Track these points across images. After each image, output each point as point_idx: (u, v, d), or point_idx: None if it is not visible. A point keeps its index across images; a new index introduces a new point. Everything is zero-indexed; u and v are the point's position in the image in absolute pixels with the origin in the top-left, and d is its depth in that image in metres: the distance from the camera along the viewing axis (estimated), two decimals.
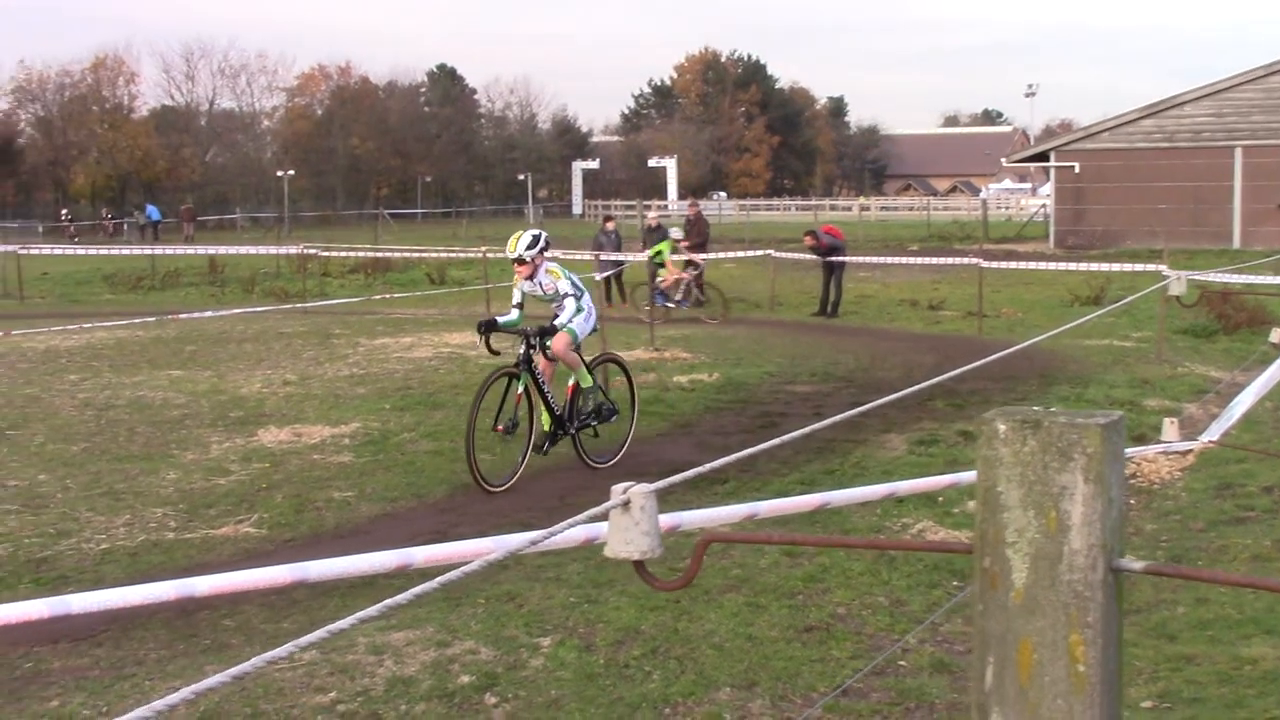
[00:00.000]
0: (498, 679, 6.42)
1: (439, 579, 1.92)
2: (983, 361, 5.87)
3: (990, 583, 1.66)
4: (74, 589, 7.88)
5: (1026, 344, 8.86)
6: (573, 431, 11.58)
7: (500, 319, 11.54)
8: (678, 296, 25.42)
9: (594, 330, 11.84)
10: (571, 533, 2.49)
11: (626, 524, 2.13)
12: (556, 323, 11.23)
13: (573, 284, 11.51)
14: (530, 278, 11.55)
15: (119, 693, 6.44)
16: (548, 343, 11.24)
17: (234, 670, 1.95)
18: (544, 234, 11.73)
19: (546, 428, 11.47)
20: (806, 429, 3.03)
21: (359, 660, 6.70)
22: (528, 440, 11.23)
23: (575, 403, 11.70)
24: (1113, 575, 1.61)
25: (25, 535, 9.50)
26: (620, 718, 5.97)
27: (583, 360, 11.74)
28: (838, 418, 3.17)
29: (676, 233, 26.62)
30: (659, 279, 24.97)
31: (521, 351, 11.26)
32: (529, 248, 11.43)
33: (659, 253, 25.03)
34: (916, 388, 4.48)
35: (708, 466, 2.54)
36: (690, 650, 6.75)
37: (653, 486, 2.17)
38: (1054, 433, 1.63)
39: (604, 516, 2.14)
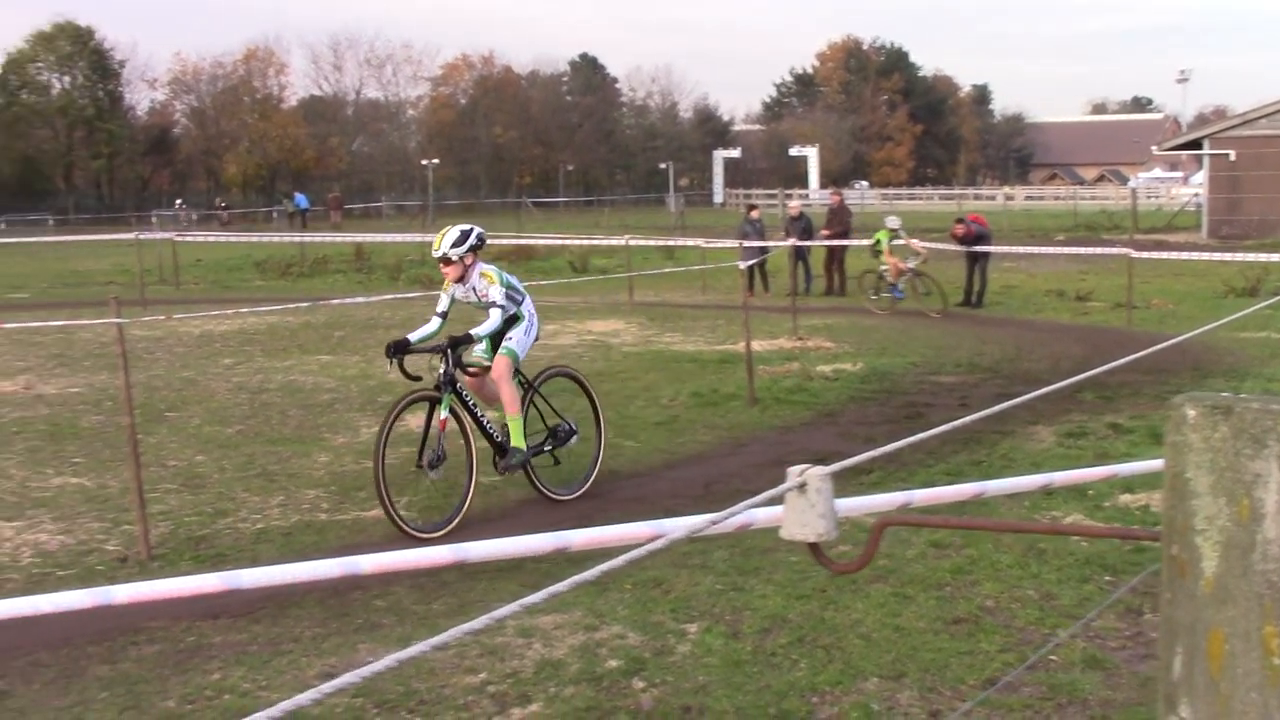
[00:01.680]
0: (645, 664, 6.45)
1: (623, 557, 1.93)
2: (1140, 354, 5.76)
3: (1179, 571, 1.63)
4: (231, 567, 8.09)
5: (1184, 337, 8.66)
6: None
7: (414, 335, 9.73)
8: (900, 286, 24.58)
9: (537, 339, 10.39)
10: (740, 516, 2.50)
11: (802, 506, 2.13)
12: (474, 331, 9.68)
13: (508, 292, 9.92)
14: (461, 280, 9.91)
15: (276, 668, 6.59)
16: (461, 352, 9.69)
17: (404, 653, 1.98)
18: (477, 230, 10.06)
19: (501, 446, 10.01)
20: (978, 414, 3.00)
21: (508, 642, 6.78)
22: (470, 475, 9.58)
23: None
24: None
25: (185, 514, 9.76)
26: (767, 705, 5.97)
27: (524, 385, 10.26)
28: (1008, 404, 3.13)
29: (894, 221, 25.39)
30: (882, 268, 24.44)
31: (442, 369, 9.57)
32: (456, 245, 9.82)
33: (878, 242, 24.59)
34: (1071, 380, 4.40)
35: (892, 447, 2.53)
36: (837, 639, 6.72)
37: (829, 469, 2.16)
38: (1246, 419, 1.59)
39: (778, 499, 2.15)
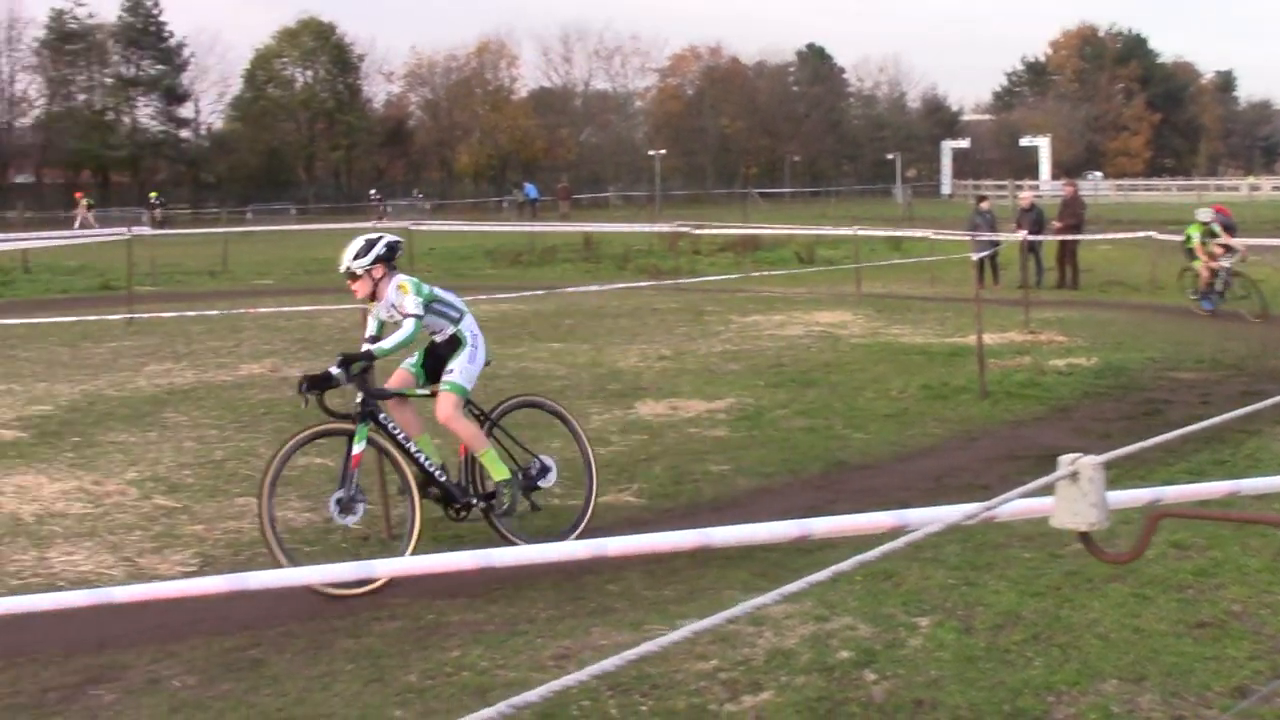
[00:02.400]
0: (876, 656, 6.41)
1: (881, 548, 1.93)
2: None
3: None
4: (468, 547, 8.28)
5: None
6: (479, 506, 8.72)
7: (334, 369, 8.18)
8: (1219, 287, 21.96)
9: (487, 364, 9.16)
10: (1009, 506, 2.47)
11: (1074, 495, 2.11)
12: (375, 348, 8.29)
13: (427, 303, 8.49)
14: (373, 298, 8.50)
15: (512, 648, 6.73)
16: (365, 374, 8.27)
17: (653, 643, 2.02)
18: (386, 239, 8.62)
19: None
20: (1240, 410, 2.91)
21: (739, 630, 6.80)
22: (412, 517, 8.25)
23: (474, 471, 8.86)
24: None
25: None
26: (1001, 702, 5.87)
27: (480, 419, 9.03)
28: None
29: (1206, 214, 22.67)
30: (1194, 264, 22.42)
31: (360, 397, 8.26)
32: (358, 257, 8.42)
33: (1188, 238, 22.69)
34: None
35: (1166, 436, 2.48)
36: (1074, 639, 6.57)
37: (1102, 458, 2.14)
38: None
39: (1048, 489, 2.12)
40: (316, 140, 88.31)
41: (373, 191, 74.62)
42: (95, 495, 10.12)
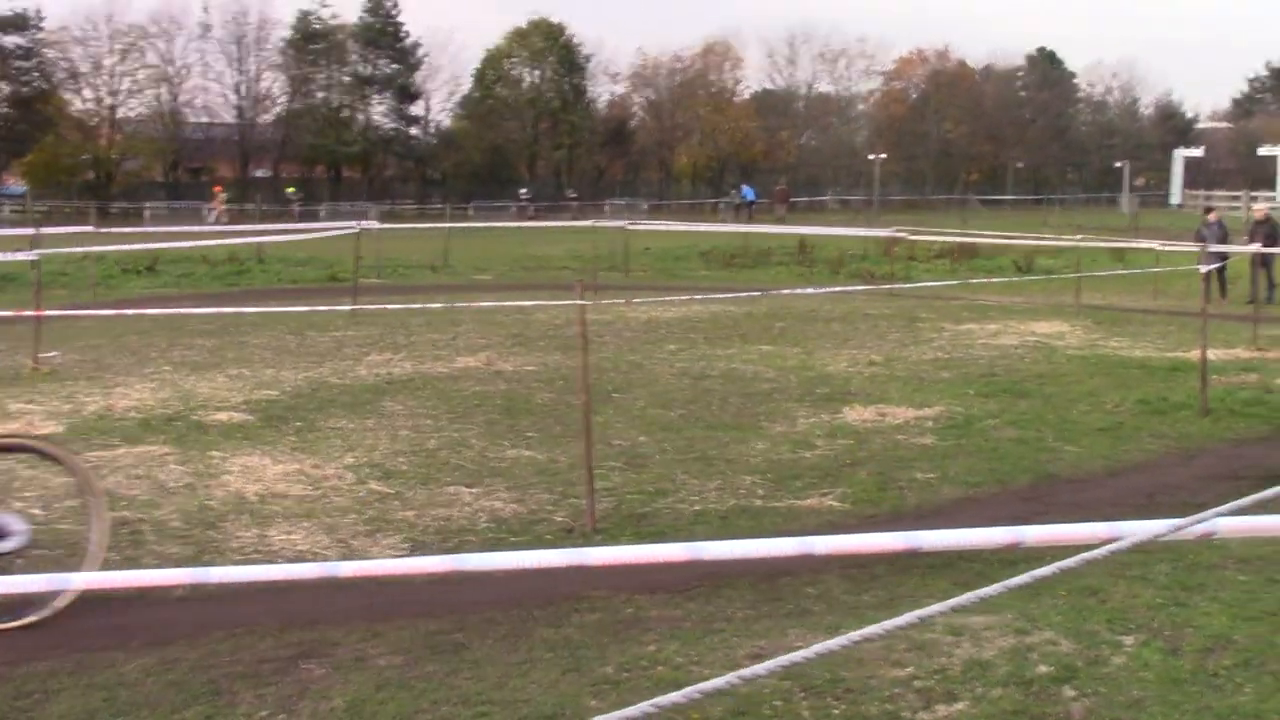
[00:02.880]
0: (1077, 673, 6.29)
1: (1082, 556, 1.92)
2: None
3: None
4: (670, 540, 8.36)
5: None
6: None
7: None
8: None
9: None
10: (1226, 522, 2.42)
11: None
12: None
13: None
14: None
15: (708, 645, 6.78)
16: None
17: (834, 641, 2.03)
18: None
19: None
20: None
21: (937, 639, 6.74)
22: None
23: None
24: None
25: (628, 491, 10.15)
26: None
27: None
28: None
29: None
30: None
31: None
32: None
33: None
34: None
35: None
36: None
37: None
38: None
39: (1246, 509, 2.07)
40: (540, 139, 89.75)
41: (522, 191, 75.22)
42: (314, 478, 10.51)
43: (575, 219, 57.12)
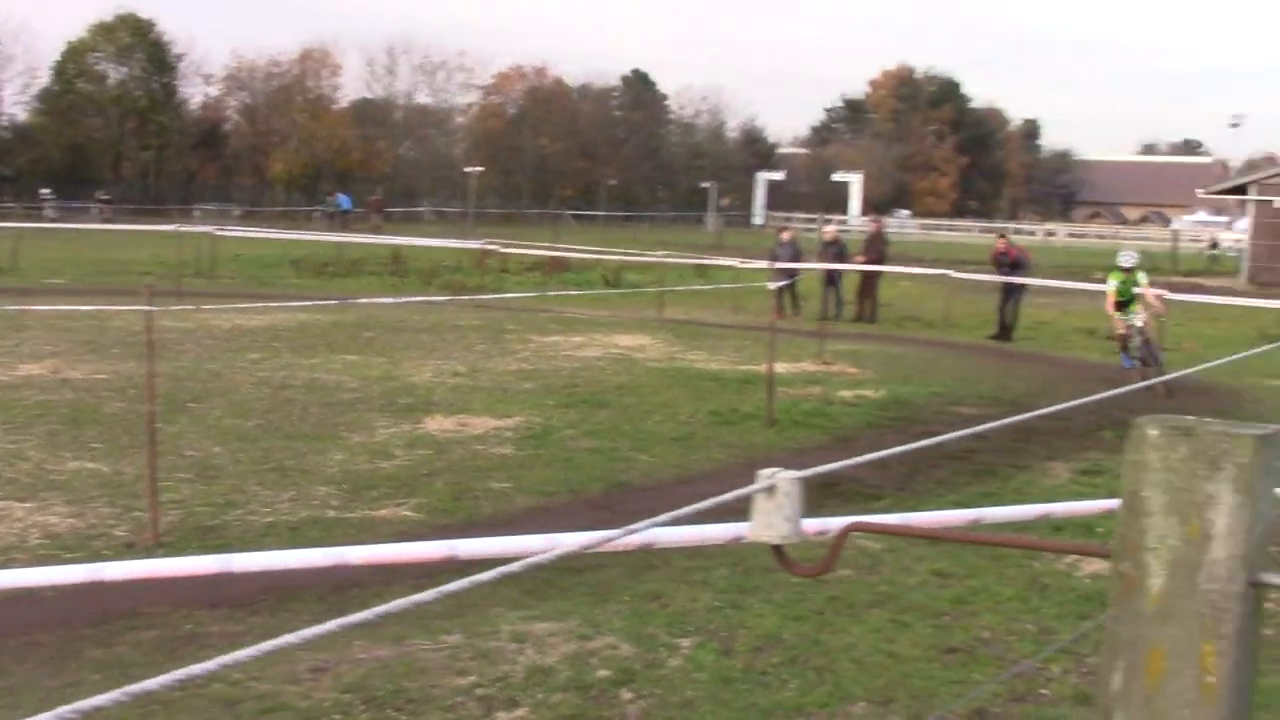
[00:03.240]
0: (635, 675, 6.38)
1: (525, 561, 1.85)
2: (1128, 389, 5.66)
3: (1127, 588, 1.59)
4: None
5: (1179, 374, 8.54)
6: None
7: None
8: (1135, 354, 18.20)
9: None
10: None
11: (770, 509, 2.11)
12: None
13: None
14: None
15: (269, 660, 6.52)
16: None
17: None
18: None
19: None
20: (931, 440, 2.93)
21: (501, 647, 6.72)
22: None
23: None
24: (1252, 589, 1.53)
25: (196, 504, 9.73)
26: None
27: None
28: (952, 435, 3.05)
29: (1128, 258, 18.55)
30: (1129, 323, 18.15)
31: None
32: None
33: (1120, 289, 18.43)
34: (1060, 407, 4.33)
35: (849, 462, 2.46)
36: (830, 662, 6.63)
37: (799, 474, 2.13)
38: (1206, 441, 1.56)
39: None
40: (126, 139, 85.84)
41: (99, 193, 71.63)
42: None
43: (162, 223, 54.83)
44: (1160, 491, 1.59)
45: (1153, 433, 1.60)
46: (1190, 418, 1.63)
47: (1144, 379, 16.36)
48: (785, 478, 2.19)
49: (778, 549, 2.19)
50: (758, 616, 7.27)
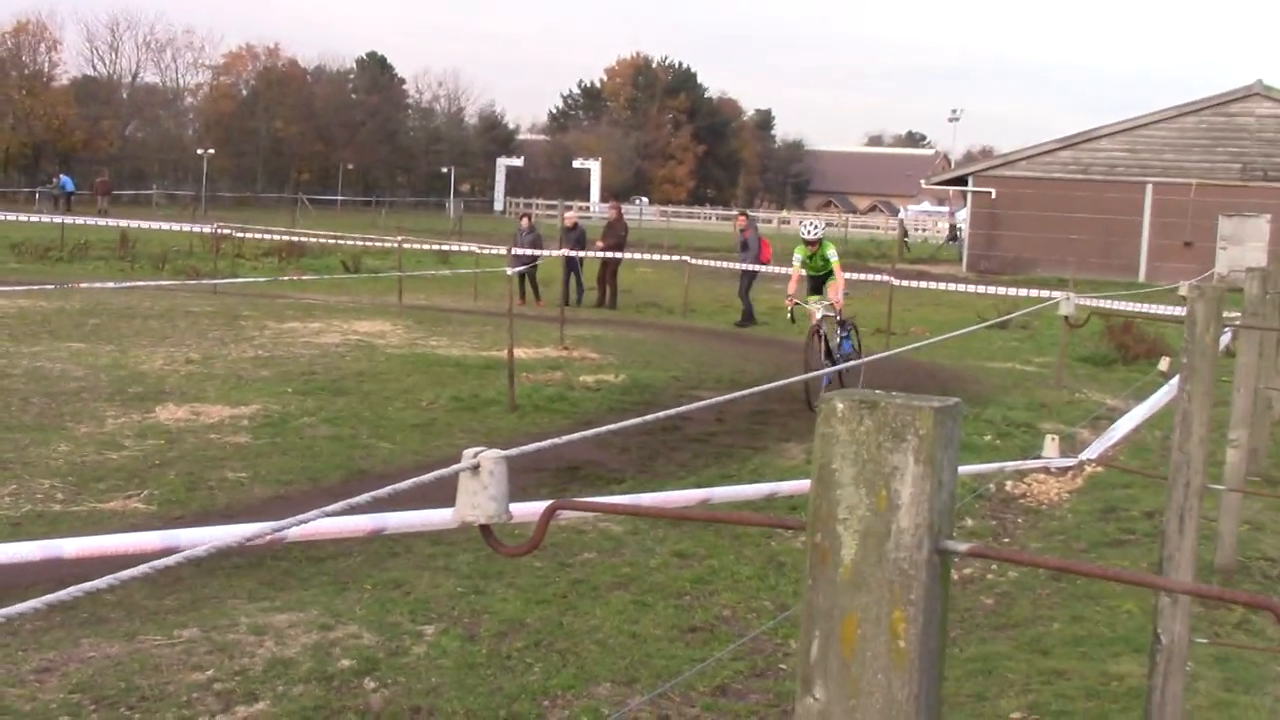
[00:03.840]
0: (378, 664, 6.40)
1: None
2: (853, 364, 5.95)
3: (820, 558, 1.70)
4: None
5: (895, 352, 8.97)
6: None
7: None
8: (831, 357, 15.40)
9: None
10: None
11: (475, 488, 2.16)
12: None
13: None
14: None
15: None
16: None
17: None
18: None
19: None
20: (662, 414, 3.07)
21: (239, 640, 6.65)
22: None
23: None
24: (938, 556, 1.66)
25: None
26: (498, 708, 5.98)
27: None
28: (687, 408, 3.22)
29: (812, 229, 15.78)
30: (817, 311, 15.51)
31: None
32: None
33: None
34: (774, 385, 4.53)
35: (563, 440, 2.58)
36: (573, 645, 6.77)
37: (504, 452, 2.20)
38: (889, 413, 1.67)
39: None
40: None
41: None
42: None
43: None
44: (849, 464, 1.69)
45: (840, 406, 1.70)
46: (877, 391, 1.76)
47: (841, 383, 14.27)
48: (489, 456, 2.25)
49: (485, 529, 2.24)
50: (501, 601, 7.36)
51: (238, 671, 6.26)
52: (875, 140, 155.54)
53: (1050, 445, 7.26)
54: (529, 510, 3.07)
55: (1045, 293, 23.02)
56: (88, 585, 1.85)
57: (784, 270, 31.58)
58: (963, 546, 1.68)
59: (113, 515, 9.19)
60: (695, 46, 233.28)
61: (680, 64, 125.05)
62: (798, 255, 15.92)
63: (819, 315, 15.29)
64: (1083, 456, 9.43)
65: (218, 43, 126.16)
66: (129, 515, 9.24)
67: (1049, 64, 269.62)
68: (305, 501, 9.81)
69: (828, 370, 12.12)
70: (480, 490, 2.17)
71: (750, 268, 26.13)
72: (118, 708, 5.86)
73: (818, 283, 15.94)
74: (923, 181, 59.84)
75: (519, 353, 14.83)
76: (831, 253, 15.73)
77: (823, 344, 15.24)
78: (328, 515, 1.97)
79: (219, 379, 15.02)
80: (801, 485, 5.46)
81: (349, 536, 5.21)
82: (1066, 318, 16.42)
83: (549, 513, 1.96)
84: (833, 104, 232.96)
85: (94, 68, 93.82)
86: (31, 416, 12.50)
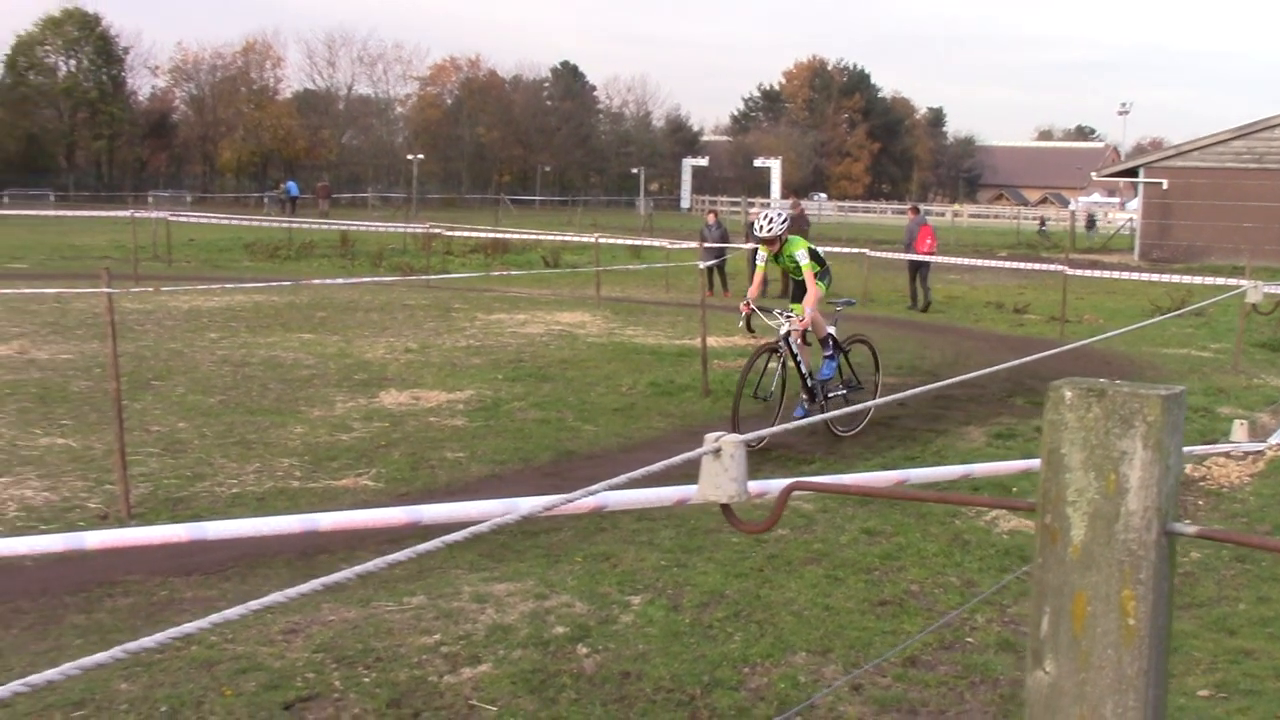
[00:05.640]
0: (590, 631, 6.50)
1: (484, 525, 1.97)
2: (1041, 355, 5.84)
3: (1050, 538, 1.70)
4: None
5: (1086, 341, 8.77)
6: None
7: None
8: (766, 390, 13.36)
9: None
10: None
11: (716, 470, 2.20)
12: None
13: None
14: None
15: (243, 623, 6.58)
16: None
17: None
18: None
19: None
20: (873, 401, 3.07)
21: (463, 607, 6.81)
22: None
23: None
24: (1165, 537, 1.64)
25: (164, 477, 9.75)
26: (701, 674, 6.02)
27: None
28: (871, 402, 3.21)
29: (771, 225, 12.70)
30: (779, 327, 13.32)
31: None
32: None
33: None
34: (952, 380, 4.49)
35: (790, 425, 2.60)
36: (770, 615, 6.78)
37: (743, 436, 2.24)
38: (1117, 401, 1.66)
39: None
40: (78, 129, 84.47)
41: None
42: None
43: (117, 209, 54.06)
44: (1077, 449, 1.68)
45: (1068, 394, 1.69)
46: (1102, 380, 1.75)
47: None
48: (730, 440, 2.29)
49: (726, 508, 2.28)
50: (702, 574, 7.41)
51: (462, 636, 6.41)
52: (1045, 135, 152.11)
53: (1238, 430, 7.04)
54: (760, 489, 3.09)
55: (1220, 280, 22.28)
56: (448, 538, 1.95)
57: (949, 260, 31.19)
58: (1191, 529, 1.66)
59: (345, 491, 9.47)
60: (870, 49, 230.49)
61: (854, 65, 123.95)
62: (762, 253, 12.37)
63: (782, 331, 11.92)
64: (1272, 442, 9.10)
65: (424, 56, 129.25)
66: (359, 492, 9.51)
67: (1219, 54, 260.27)
68: (520, 480, 10.00)
69: (806, 420, 10.70)
70: (722, 472, 2.21)
71: (919, 258, 25.82)
72: (355, 666, 6.04)
73: (803, 289, 12.32)
74: (1093, 174, 58.19)
75: (710, 341, 14.87)
76: (801, 254, 12.13)
77: (780, 367, 11.92)
78: (612, 489, 2.03)
79: (435, 366, 15.37)
80: (994, 468, 5.41)
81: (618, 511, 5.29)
82: (1255, 305, 15.86)
83: (786, 492, 1.99)
84: (1003, 100, 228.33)
85: (313, 81, 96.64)
86: (270, 401, 12.95)
